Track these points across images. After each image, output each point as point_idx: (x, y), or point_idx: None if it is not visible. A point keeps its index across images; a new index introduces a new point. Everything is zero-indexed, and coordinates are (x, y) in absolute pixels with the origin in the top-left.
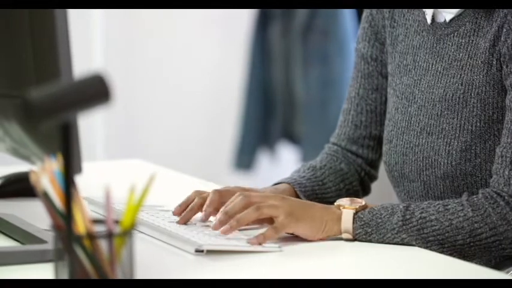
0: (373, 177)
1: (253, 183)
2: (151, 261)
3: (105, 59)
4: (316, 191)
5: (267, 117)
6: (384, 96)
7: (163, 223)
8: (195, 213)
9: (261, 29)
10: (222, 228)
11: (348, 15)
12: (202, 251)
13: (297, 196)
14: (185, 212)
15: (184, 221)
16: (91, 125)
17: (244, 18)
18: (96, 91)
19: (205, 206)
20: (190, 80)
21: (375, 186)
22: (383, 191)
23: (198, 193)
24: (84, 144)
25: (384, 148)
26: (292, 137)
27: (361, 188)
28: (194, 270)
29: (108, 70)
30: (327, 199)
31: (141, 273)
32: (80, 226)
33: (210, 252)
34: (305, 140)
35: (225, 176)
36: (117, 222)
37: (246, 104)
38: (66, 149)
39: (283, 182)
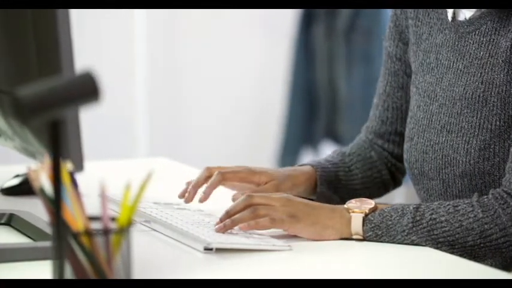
0: (401, 170)
1: None
2: (160, 259)
3: (148, 59)
4: (341, 176)
5: (311, 117)
6: (409, 95)
7: (176, 221)
8: (197, 188)
9: (305, 30)
10: (216, 227)
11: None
12: (211, 249)
13: (315, 181)
14: (189, 189)
15: (190, 199)
16: (134, 124)
17: (287, 19)
18: (85, 89)
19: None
20: (234, 80)
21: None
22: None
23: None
24: (127, 142)
25: (405, 146)
26: (335, 137)
27: (391, 178)
28: (202, 269)
29: (151, 70)
30: (353, 186)
31: (148, 270)
32: (77, 223)
33: (219, 250)
34: (348, 140)
35: None
36: (114, 219)
37: (289, 104)
38: (55, 146)
39: (308, 164)
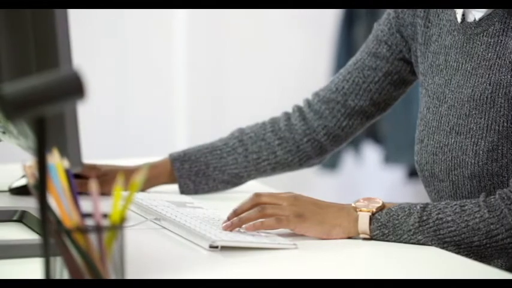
0: (326, 147)
1: (337, 182)
2: (165, 256)
3: (189, 59)
4: (212, 163)
5: None
6: (377, 78)
7: (185, 219)
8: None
9: (347, 29)
10: (223, 225)
11: None
12: (216, 247)
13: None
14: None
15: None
16: (174, 124)
17: (329, 19)
18: (70, 87)
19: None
20: (275, 81)
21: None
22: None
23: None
24: (166, 141)
25: (416, 148)
26: (376, 137)
27: (308, 156)
28: (207, 267)
29: (191, 70)
30: (231, 170)
31: (152, 267)
32: (70, 220)
33: (225, 248)
34: (389, 140)
35: (310, 176)
36: (106, 216)
37: None
38: (40, 144)
39: (172, 157)
